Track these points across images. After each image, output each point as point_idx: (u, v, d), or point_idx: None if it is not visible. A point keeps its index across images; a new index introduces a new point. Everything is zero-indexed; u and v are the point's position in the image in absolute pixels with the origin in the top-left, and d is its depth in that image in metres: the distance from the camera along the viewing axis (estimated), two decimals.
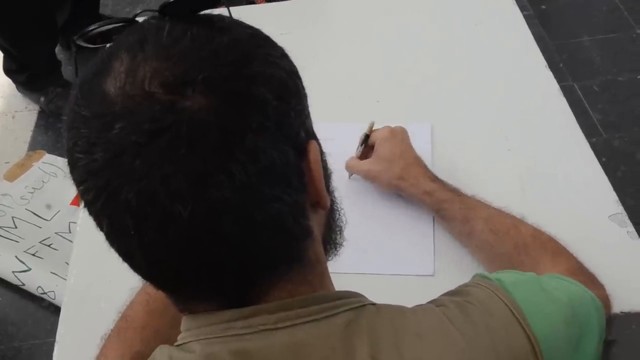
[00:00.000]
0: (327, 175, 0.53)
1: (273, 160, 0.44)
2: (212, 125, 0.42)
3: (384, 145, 0.96)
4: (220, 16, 0.49)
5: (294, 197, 0.46)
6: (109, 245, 0.47)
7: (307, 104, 0.51)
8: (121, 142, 0.42)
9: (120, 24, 0.50)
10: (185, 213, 0.42)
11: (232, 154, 0.42)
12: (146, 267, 0.46)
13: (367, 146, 1.00)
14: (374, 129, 1.00)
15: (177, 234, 0.43)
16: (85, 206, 0.46)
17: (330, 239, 0.57)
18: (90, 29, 0.51)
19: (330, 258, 0.57)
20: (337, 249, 0.59)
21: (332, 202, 0.55)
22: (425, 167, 0.95)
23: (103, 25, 0.51)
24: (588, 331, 0.60)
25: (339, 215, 0.58)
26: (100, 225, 0.46)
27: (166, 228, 0.43)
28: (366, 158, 1.00)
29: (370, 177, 0.98)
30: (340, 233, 0.59)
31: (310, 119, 0.52)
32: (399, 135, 0.97)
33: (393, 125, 0.99)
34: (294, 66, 0.50)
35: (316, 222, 0.52)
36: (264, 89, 0.45)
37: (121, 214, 0.43)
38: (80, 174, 0.45)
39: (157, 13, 0.48)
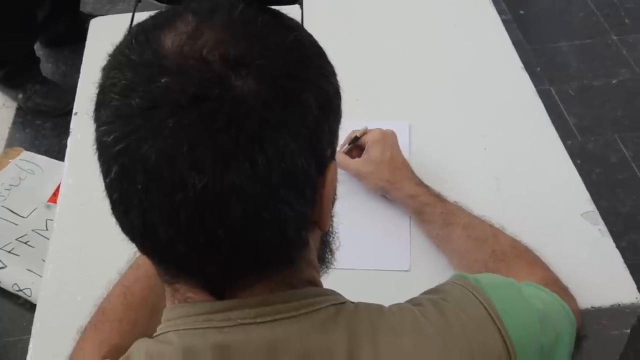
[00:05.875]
0: (333, 199, 0.53)
1: (297, 165, 0.45)
2: (253, 112, 0.43)
3: (375, 148, 0.99)
4: (288, 16, 0.50)
5: (302, 208, 0.47)
6: (106, 193, 0.46)
7: (339, 126, 0.51)
8: (162, 96, 0.42)
9: None
10: (198, 186, 0.42)
11: (262, 146, 0.43)
12: (141, 227, 0.45)
13: (355, 145, 1.03)
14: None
15: (183, 203, 0.42)
16: (97, 148, 0.46)
17: (322, 257, 0.58)
18: None
19: (321, 274, 0.57)
20: (328, 267, 0.59)
21: (330, 224, 0.56)
22: (411, 171, 0.98)
23: None
24: (561, 342, 0.61)
25: (334, 237, 0.59)
26: (107, 170, 0.45)
27: (174, 194, 0.42)
28: (351, 155, 1.02)
29: (359, 176, 1.00)
30: (332, 254, 0.59)
31: (338, 140, 0.52)
32: (390, 139, 1.00)
33: (384, 128, 1.01)
34: (340, 87, 0.51)
35: (312, 238, 0.53)
36: (311, 96, 0.46)
37: (136, 166, 0.43)
38: (107, 114, 0.44)
39: None
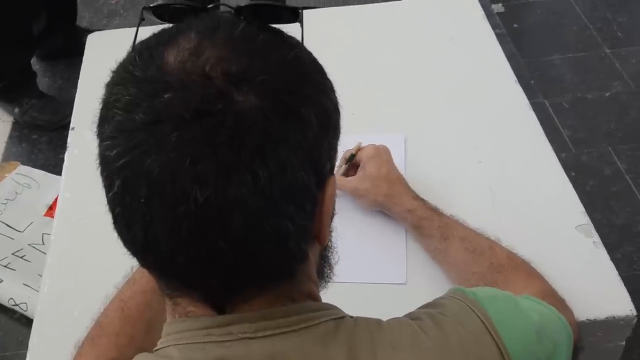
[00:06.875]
0: (332, 214, 0.54)
1: (297, 179, 0.45)
2: (255, 126, 0.43)
3: (371, 164, 0.99)
4: (288, 34, 0.51)
5: (302, 222, 0.47)
6: (108, 207, 0.47)
7: (338, 141, 0.52)
8: (165, 111, 0.43)
9: (191, 7, 0.51)
10: (200, 199, 0.42)
11: (264, 160, 0.43)
12: (143, 241, 0.46)
13: (351, 164, 1.02)
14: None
15: (185, 216, 0.43)
16: (100, 162, 0.46)
17: (321, 272, 0.58)
18: (165, 2, 0.52)
19: (320, 289, 0.58)
20: (327, 282, 0.60)
21: (329, 239, 0.56)
22: (407, 185, 0.98)
23: (176, 2, 0.52)
24: (558, 354, 0.62)
25: (332, 252, 0.59)
26: (110, 184, 0.46)
27: (177, 207, 0.43)
28: (347, 174, 1.02)
29: (357, 195, 1.00)
30: (331, 268, 0.60)
31: (337, 155, 0.53)
32: (384, 155, 1.00)
33: (378, 143, 1.02)
34: (338, 103, 0.52)
35: (312, 252, 0.53)
36: (311, 112, 0.46)
37: (138, 179, 0.43)
38: (111, 129, 0.45)
39: (233, 10, 0.49)
